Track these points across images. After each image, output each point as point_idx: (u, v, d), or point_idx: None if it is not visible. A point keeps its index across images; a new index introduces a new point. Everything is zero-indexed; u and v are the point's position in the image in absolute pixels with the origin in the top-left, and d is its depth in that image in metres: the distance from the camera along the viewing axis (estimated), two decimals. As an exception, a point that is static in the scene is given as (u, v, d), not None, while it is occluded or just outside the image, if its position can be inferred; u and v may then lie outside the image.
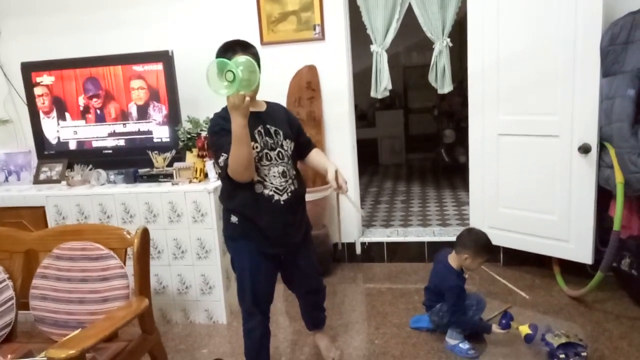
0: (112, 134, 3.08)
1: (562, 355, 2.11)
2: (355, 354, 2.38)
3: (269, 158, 1.91)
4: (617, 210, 2.46)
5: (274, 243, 1.97)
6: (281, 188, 1.92)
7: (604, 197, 2.68)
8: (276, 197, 1.91)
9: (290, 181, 1.96)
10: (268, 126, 1.93)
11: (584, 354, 2.11)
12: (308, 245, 2.16)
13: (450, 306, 2.34)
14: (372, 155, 6.95)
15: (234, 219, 1.97)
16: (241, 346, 2.26)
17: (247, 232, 1.97)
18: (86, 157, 3.06)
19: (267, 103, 2.02)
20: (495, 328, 2.34)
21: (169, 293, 2.76)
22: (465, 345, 2.31)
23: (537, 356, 2.25)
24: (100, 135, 3.09)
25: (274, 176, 1.91)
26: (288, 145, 1.97)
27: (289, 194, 1.94)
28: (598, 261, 2.63)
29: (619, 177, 2.46)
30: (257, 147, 1.88)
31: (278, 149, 1.93)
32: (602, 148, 2.62)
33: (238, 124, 1.72)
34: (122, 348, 1.91)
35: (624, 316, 2.55)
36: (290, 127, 2.01)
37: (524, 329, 2.28)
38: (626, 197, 2.47)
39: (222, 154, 1.83)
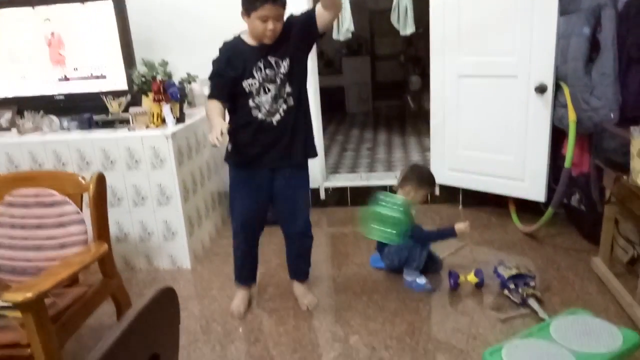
0: (63, 79, 2.94)
1: (512, 286, 2.23)
2: (317, 292, 2.44)
3: (265, 90, 1.99)
4: (569, 148, 2.54)
5: (270, 160, 2.07)
6: (272, 110, 2.01)
7: (557, 136, 2.76)
8: (268, 119, 2.02)
9: (281, 101, 2.01)
10: (269, 57, 1.96)
11: (532, 283, 2.23)
12: (303, 177, 2.19)
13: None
14: (339, 104, 6.91)
15: (229, 145, 2.09)
16: (205, 289, 2.32)
17: (240, 157, 2.09)
18: (36, 103, 2.92)
19: None
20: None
21: (131, 240, 2.75)
22: (421, 281, 2.40)
23: (489, 287, 2.36)
24: (51, 79, 2.95)
25: (267, 102, 2.00)
26: (287, 65, 1.98)
27: (282, 114, 2.02)
28: (551, 199, 2.74)
29: (571, 116, 2.53)
30: (254, 84, 1.97)
31: (277, 79, 1.98)
32: (557, 88, 2.66)
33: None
34: (82, 292, 1.91)
35: (572, 249, 2.69)
36: (293, 39, 1.96)
37: (472, 278, 2.36)
38: (578, 135, 2.55)
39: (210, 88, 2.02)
